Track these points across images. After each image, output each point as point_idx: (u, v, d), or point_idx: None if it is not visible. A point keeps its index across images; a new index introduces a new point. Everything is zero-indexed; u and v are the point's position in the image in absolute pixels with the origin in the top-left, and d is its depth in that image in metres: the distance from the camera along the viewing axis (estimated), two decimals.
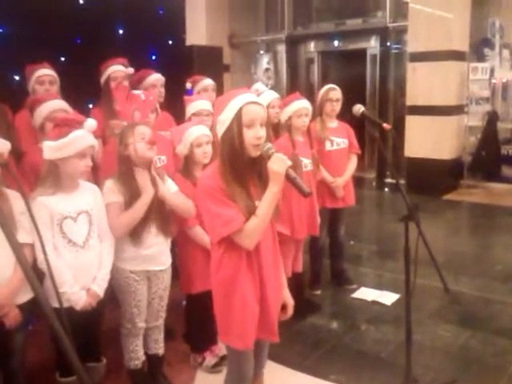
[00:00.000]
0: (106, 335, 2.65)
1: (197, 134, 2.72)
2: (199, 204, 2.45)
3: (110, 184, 2.43)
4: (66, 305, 2.19)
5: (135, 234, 2.43)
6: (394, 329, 3.33)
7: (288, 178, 1.74)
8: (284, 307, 2.04)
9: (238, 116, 1.75)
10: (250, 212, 1.78)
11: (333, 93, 3.73)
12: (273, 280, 1.93)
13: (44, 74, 3.33)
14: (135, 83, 3.55)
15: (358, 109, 2.58)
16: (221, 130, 1.81)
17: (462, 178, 7.47)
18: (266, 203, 1.77)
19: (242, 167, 1.80)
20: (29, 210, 1.50)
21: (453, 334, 3.29)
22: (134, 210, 2.38)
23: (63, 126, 2.21)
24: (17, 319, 2.15)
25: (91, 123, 2.24)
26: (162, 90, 3.62)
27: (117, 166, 2.49)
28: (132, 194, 2.40)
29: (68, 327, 1.24)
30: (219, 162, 1.83)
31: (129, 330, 2.56)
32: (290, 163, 1.74)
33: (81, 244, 2.27)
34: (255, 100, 1.81)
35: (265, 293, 1.89)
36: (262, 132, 1.78)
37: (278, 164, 1.72)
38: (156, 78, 3.61)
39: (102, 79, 3.53)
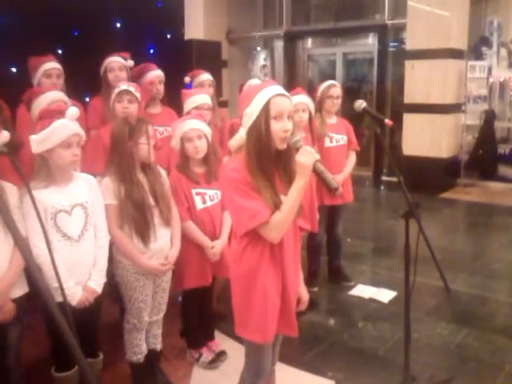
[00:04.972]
0: (102, 330, 2.61)
1: (185, 129, 2.68)
2: (224, 196, 2.41)
3: (106, 183, 2.39)
4: (60, 299, 2.15)
5: (140, 232, 2.40)
6: (391, 326, 3.33)
7: (315, 171, 1.72)
8: (298, 301, 2.03)
9: (266, 108, 1.73)
10: (275, 205, 1.77)
11: (333, 89, 3.71)
12: (293, 274, 1.92)
13: (52, 68, 3.29)
14: (135, 77, 3.51)
15: (360, 104, 2.54)
16: (247, 122, 1.78)
17: (459, 176, 7.47)
18: (292, 196, 1.75)
19: (267, 160, 1.78)
20: (33, 202, 1.47)
21: (450, 331, 3.29)
22: (128, 248, 2.41)
23: (45, 118, 2.16)
24: (11, 313, 2.10)
25: (73, 111, 2.17)
26: (161, 87, 3.56)
27: (111, 158, 2.44)
28: (126, 197, 2.36)
29: (71, 320, 1.21)
30: (245, 154, 1.80)
31: (134, 324, 2.53)
32: (318, 157, 1.72)
33: (76, 238, 2.22)
34: (283, 92, 1.78)
35: (286, 287, 1.88)
36: (289, 125, 1.76)
37: (306, 157, 1.70)
38: (155, 74, 3.54)
39: (101, 71, 3.49)
